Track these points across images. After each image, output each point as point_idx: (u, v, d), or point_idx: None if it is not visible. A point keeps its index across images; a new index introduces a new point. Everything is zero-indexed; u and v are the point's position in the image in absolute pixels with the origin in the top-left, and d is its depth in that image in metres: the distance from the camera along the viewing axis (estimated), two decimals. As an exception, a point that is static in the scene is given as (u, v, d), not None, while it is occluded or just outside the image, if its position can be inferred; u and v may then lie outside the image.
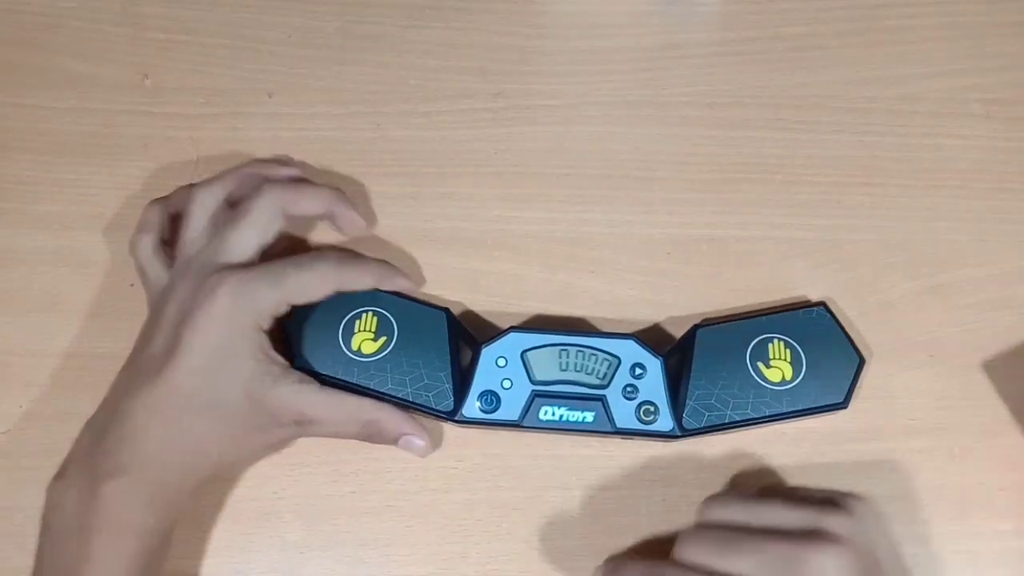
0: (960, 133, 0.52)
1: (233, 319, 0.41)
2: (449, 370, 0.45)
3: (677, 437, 0.45)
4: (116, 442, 0.40)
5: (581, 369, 0.45)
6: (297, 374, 0.43)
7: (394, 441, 0.45)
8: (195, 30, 0.53)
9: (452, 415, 0.45)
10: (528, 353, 0.45)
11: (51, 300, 0.48)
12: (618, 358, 0.45)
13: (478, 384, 0.45)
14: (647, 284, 0.49)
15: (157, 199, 0.47)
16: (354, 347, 0.45)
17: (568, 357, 0.45)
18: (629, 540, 0.46)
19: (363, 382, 0.45)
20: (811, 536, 0.38)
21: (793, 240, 0.50)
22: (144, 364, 0.41)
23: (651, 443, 0.46)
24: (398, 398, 0.45)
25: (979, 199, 0.51)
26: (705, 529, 0.40)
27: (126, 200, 0.50)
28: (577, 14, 0.54)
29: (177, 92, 0.52)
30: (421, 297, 0.48)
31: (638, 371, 0.45)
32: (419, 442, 0.45)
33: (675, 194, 0.51)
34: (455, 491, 0.46)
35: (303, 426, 0.43)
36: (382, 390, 0.45)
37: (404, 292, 0.46)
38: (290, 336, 0.45)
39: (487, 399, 0.45)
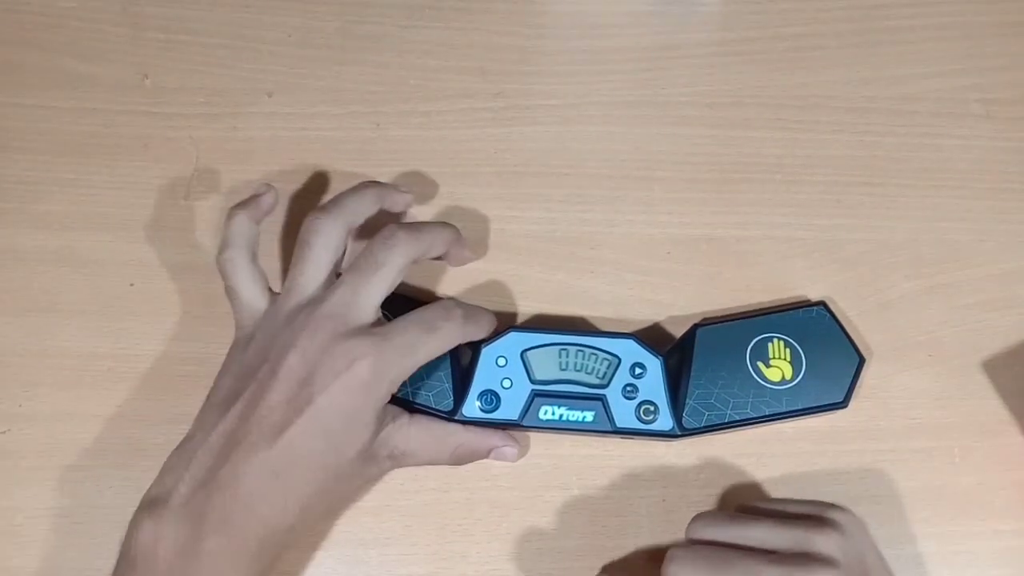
0: (960, 133, 0.52)
1: (368, 392, 0.40)
2: (449, 370, 0.45)
3: (677, 437, 0.45)
4: (227, 499, 0.38)
5: (581, 369, 0.45)
6: (392, 409, 0.43)
7: (486, 456, 0.45)
8: (195, 30, 0.53)
9: (452, 415, 0.45)
10: (528, 353, 0.45)
11: (51, 300, 0.48)
12: (618, 358, 0.45)
13: (478, 384, 0.45)
14: (647, 284, 0.49)
15: (240, 206, 0.45)
16: (354, 347, 0.45)
17: (568, 357, 0.45)
18: (629, 540, 0.46)
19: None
20: (802, 559, 0.38)
21: (793, 240, 0.50)
22: (261, 418, 0.39)
23: (651, 443, 0.46)
24: (398, 397, 0.44)
25: (979, 199, 0.51)
26: (695, 548, 0.40)
27: (126, 200, 0.50)
28: (577, 14, 0.54)
29: (177, 92, 0.52)
30: (422, 298, 0.48)
31: (638, 371, 0.45)
32: (510, 450, 0.45)
33: (675, 194, 0.51)
34: (455, 491, 0.46)
35: (397, 459, 0.43)
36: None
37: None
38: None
39: (487, 399, 0.45)
